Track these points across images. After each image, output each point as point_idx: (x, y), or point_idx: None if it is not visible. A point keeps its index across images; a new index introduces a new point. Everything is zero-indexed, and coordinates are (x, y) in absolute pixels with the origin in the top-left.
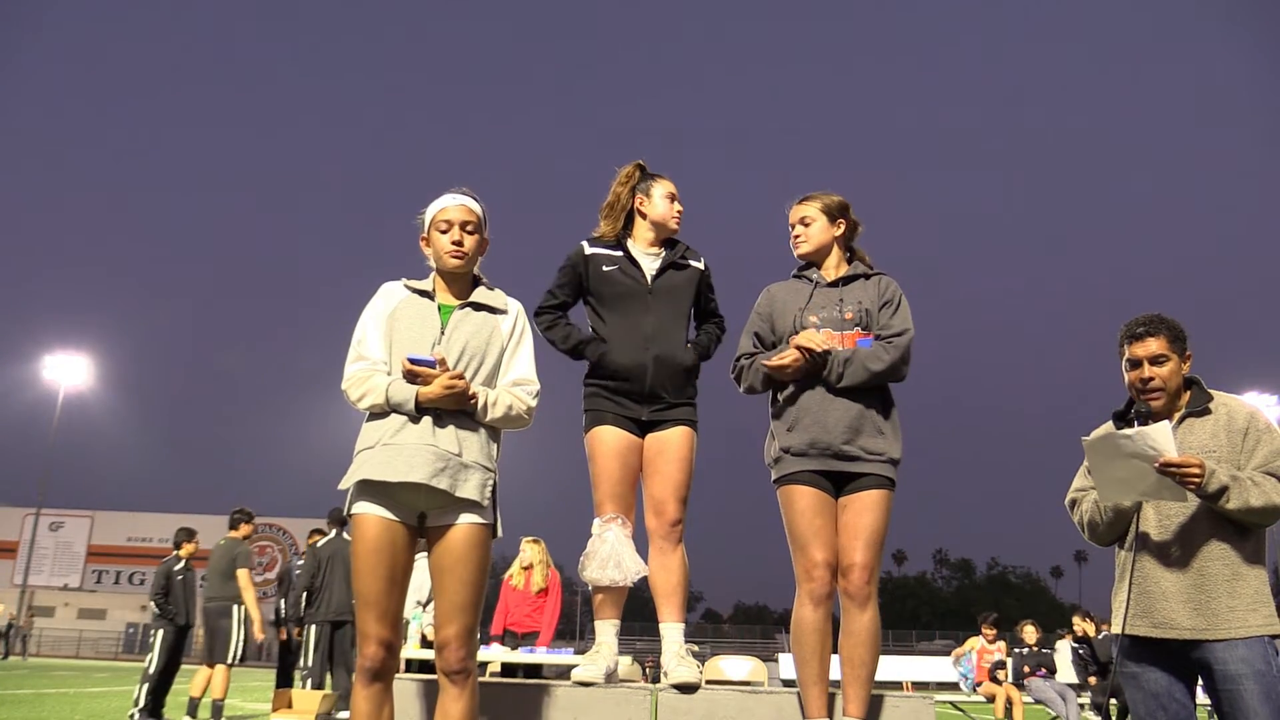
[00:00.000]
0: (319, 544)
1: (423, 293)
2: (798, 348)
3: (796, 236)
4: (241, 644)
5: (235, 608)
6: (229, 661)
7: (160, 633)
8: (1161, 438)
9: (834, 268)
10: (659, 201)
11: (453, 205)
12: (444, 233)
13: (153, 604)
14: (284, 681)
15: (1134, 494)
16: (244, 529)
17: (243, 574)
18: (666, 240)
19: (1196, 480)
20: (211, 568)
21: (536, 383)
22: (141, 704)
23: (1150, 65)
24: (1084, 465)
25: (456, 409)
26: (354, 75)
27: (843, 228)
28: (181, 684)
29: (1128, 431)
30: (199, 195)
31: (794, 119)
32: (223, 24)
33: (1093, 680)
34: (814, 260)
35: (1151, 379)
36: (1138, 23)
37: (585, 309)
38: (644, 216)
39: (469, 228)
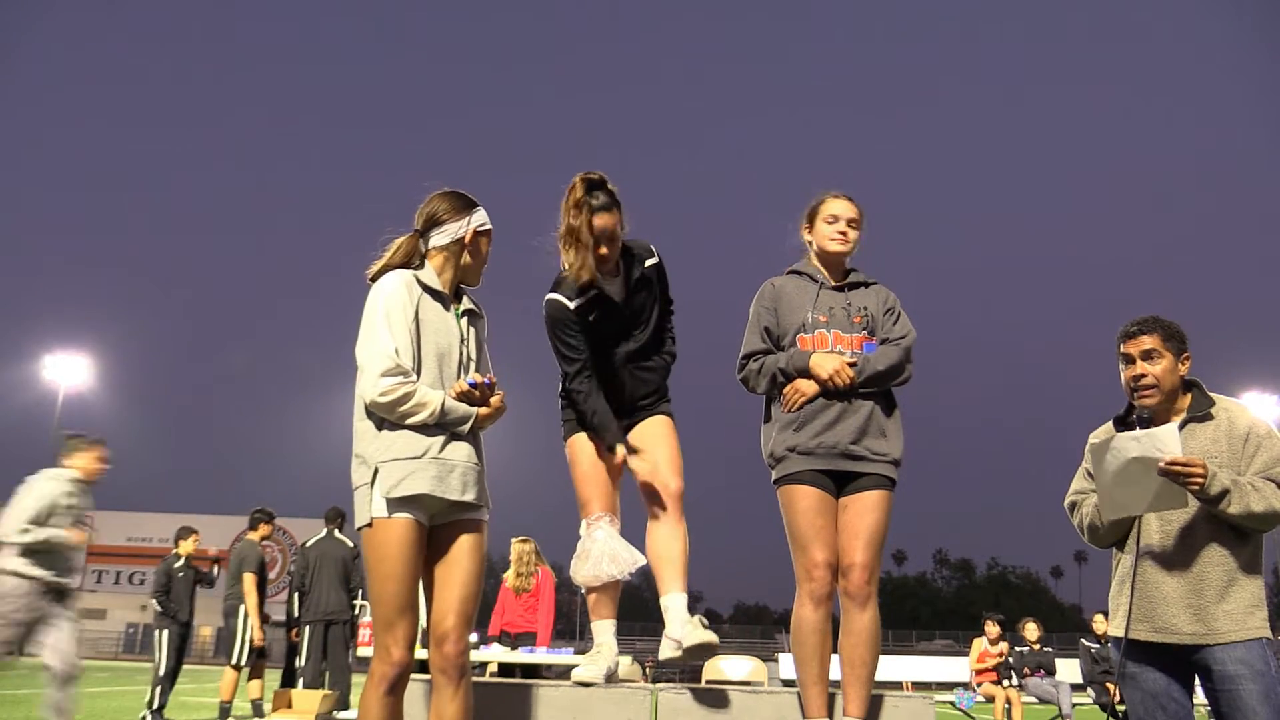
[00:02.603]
0: (308, 544)
1: (435, 292)
2: (821, 380)
3: (843, 234)
4: (248, 646)
5: (242, 608)
6: (233, 663)
7: (166, 633)
8: (1169, 439)
9: (839, 271)
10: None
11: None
12: (488, 244)
13: (154, 602)
14: (288, 682)
15: (1135, 508)
16: (262, 529)
17: (247, 577)
18: (624, 251)
19: (1199, 482)
20: (229, 568)
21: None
22: (156, 705)
23: (1150, 61)
24: (1083, 467)
25: (488, 425)
26: (353, 75)
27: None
28: (185, 683)
29: (1135, 433)
30: (200, 195)
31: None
32: (224, 22)
33: (1111, 687)
34: (834, 262)
35: (1144, 375)
36: (1137, 21)
37: None
38: None
39: None
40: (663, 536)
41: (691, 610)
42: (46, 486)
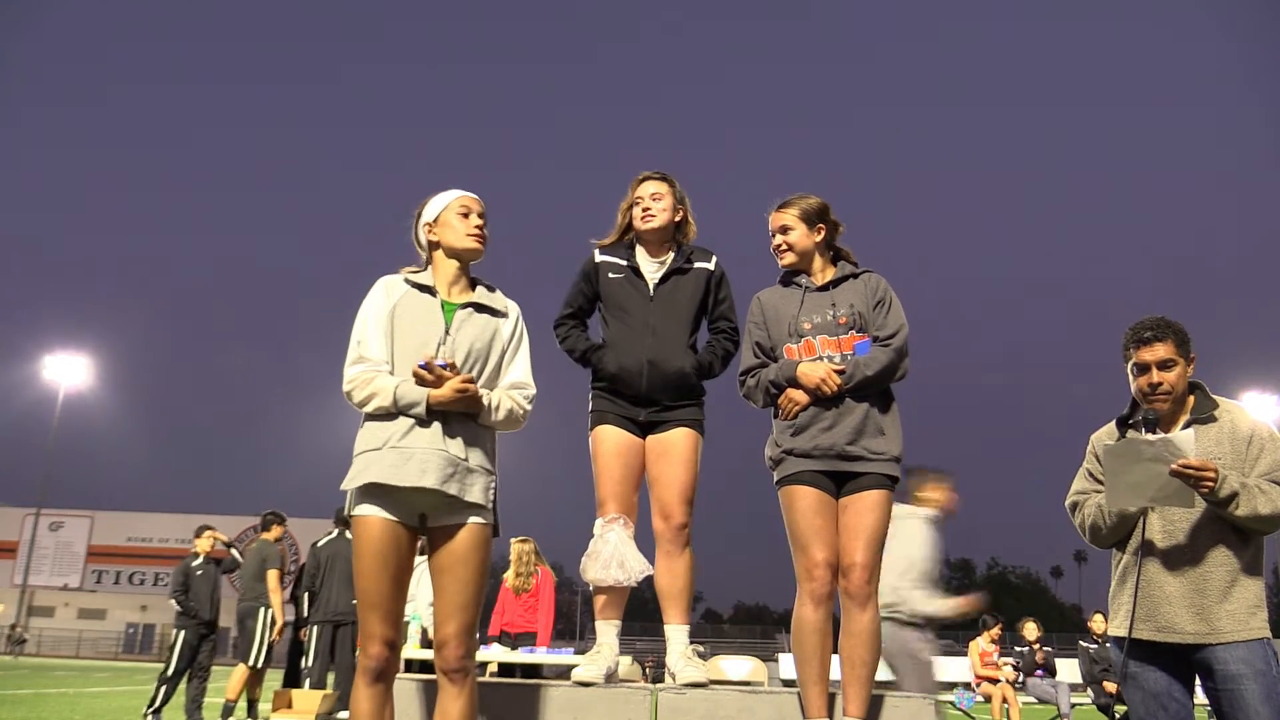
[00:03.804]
0: (320, 544)
1: (424, 288)
2: (809, 389)
3: (778, 246)
4: (266, 646)
5: (261, 610)
6: (250, 663)
7: (182, 634)
8: (1185, 445)
9: (821, 271)
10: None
11: (471, 196)
12: (465, 216)
13: (173, 602)
14: (291, 682)
15: (1143, 500)
16: (275, 530)
17: (271, 575)
18: (676, 243)
19: (1210, 484)
20: (244, 569)
21: (533, 387)
22: (158, 704)
23: (1150, 61)
24: (1083, 468)
25: (463, 412)
26: (353, 76)
27: (823, 232)
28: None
29: (1150, 437)
30: (199, 195)
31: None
32: (224, 24)
33: (1110, 687)
34: (799, 268)
35: (1160, 384)
36: (1138, 21)
37: (598, 315)
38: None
39: (485, 220)
40: (664, 570)
41: (692, 608)
42: (922, 530)
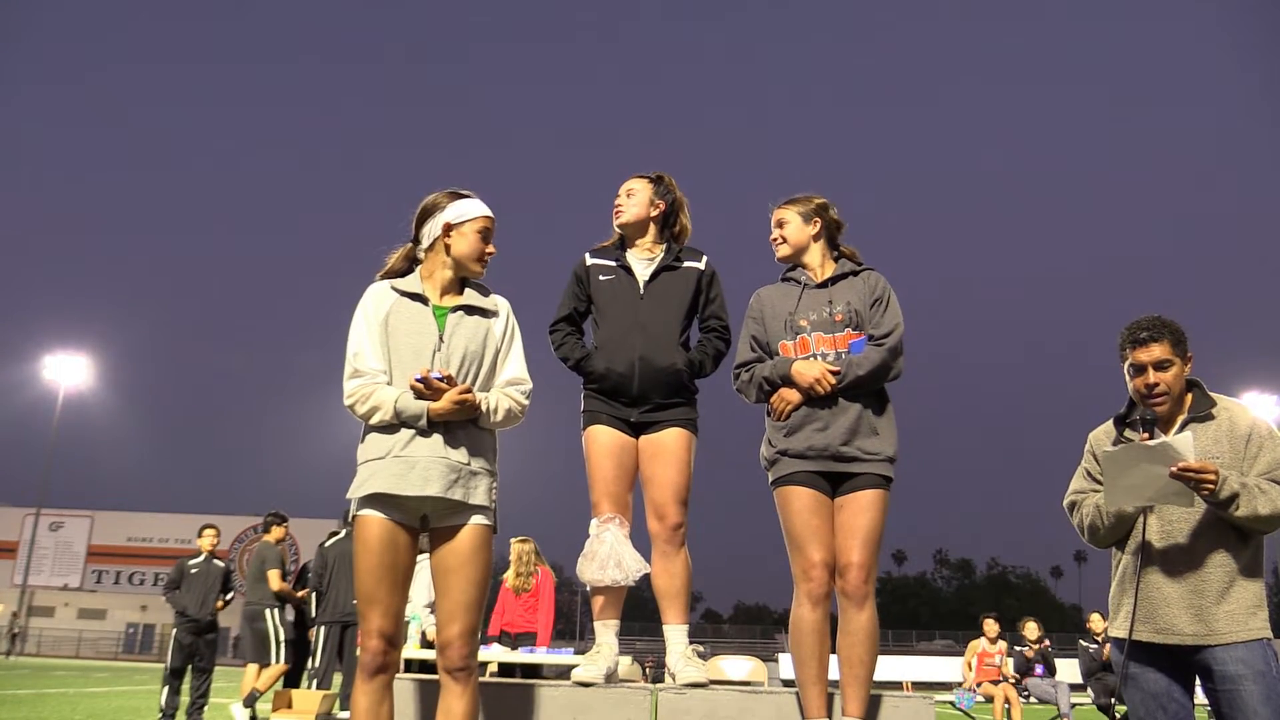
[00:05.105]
0: (327, 544)
1: (413, 295)
2: (803, 388)
3: (774, 239)
4: (283, 643)
5: (268, 611)
6: (269, 663)
7: (174, 632)
8: (1184, 448)
9: (819, 268)
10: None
11: (493, 219)
12: (484, 240)
13: (165, 597)
14: (292, 682)
15: (1141, 499)
16: (276, 532)
17: (272, 575)
18: (667, 240)
19: (1211, 486)
20: (248, 573)
21: (529, 381)
22: (163, 705)
23: (1150, 60)
24: (1081, 467)
25: (463, 419)
26: (353, 74)
27: (818, 226)
28: (217, 684)
29: (1149, 442)
30: (200, 194)
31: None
32: (223, 21)
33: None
34: (795, 262)
35: (1157, 384)
36: (1138, 22)
37: (591, 318)
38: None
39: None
40: (660, 570)
41: (692, 608)
42: None
